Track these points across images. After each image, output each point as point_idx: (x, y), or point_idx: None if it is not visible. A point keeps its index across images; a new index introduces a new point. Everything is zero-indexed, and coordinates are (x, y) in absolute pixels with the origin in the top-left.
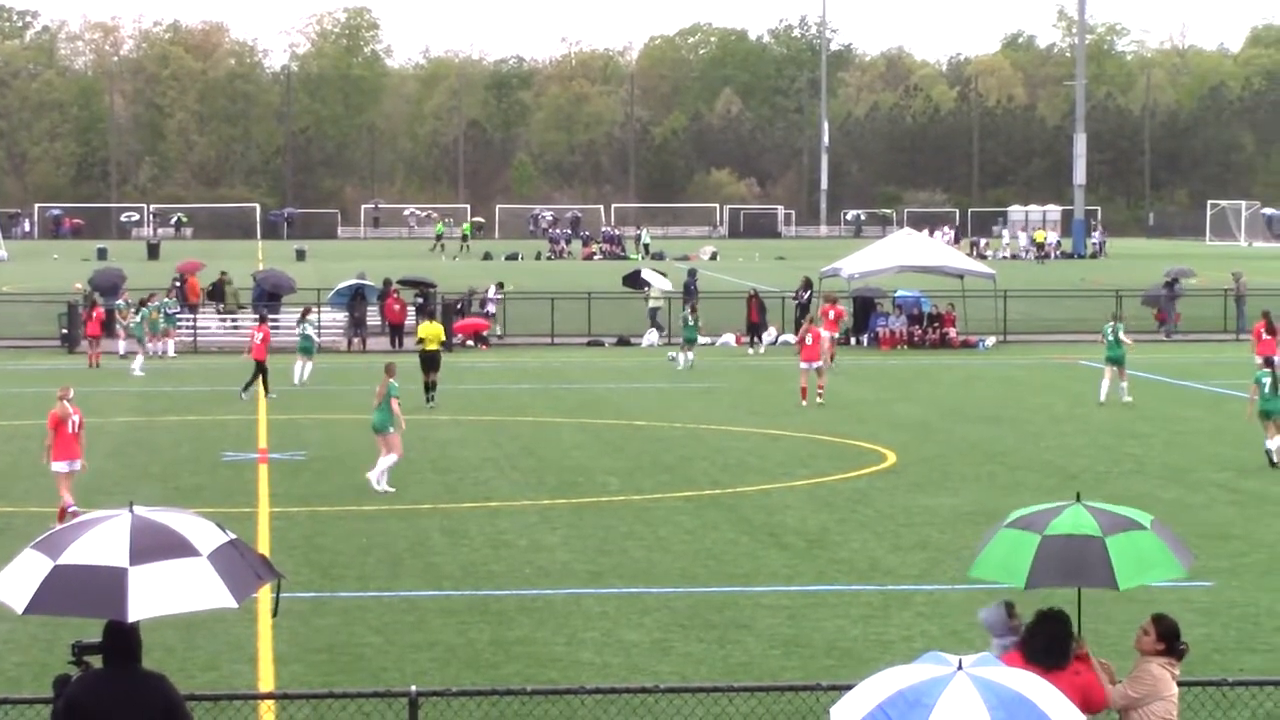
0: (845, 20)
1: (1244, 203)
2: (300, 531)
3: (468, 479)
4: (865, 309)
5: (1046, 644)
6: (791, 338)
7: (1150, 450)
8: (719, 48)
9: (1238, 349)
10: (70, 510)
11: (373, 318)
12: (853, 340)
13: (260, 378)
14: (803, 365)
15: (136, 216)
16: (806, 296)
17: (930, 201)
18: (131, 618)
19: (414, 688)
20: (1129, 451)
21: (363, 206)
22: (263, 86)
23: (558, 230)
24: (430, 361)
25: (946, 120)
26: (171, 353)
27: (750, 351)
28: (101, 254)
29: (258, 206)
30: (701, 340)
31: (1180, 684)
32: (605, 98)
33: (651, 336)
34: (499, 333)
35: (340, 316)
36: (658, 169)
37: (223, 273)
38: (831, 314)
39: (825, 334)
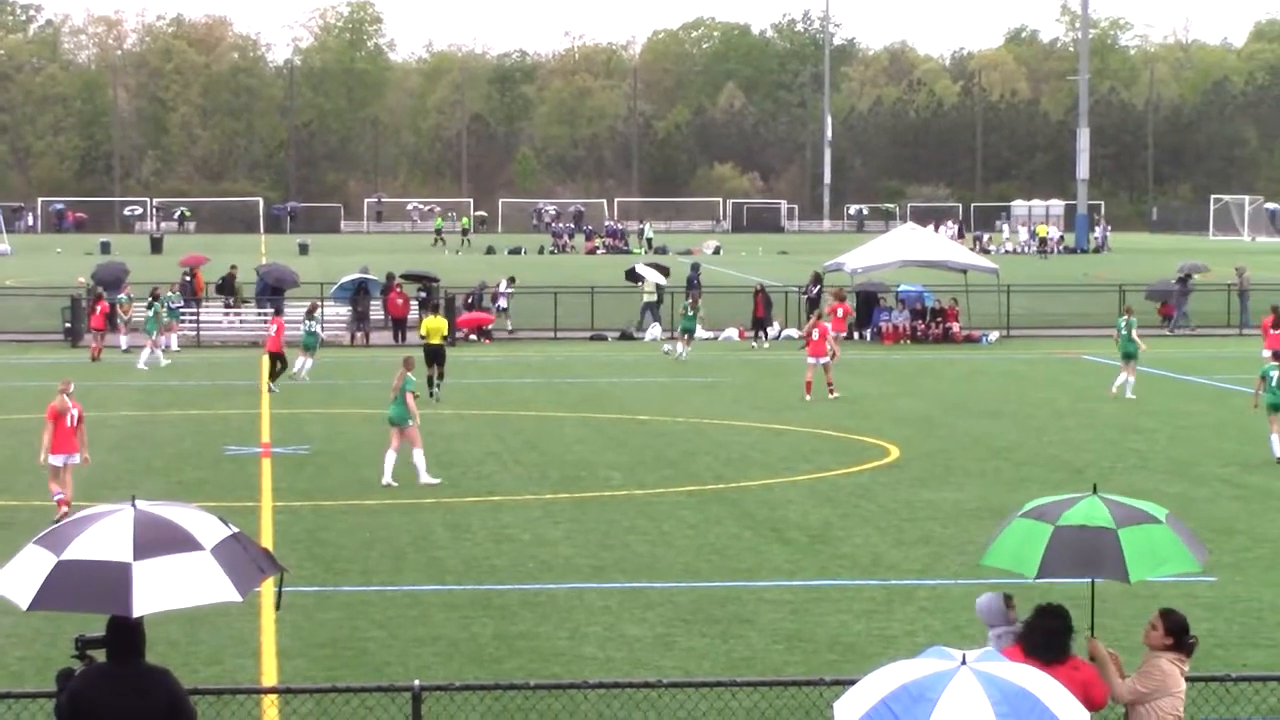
0: (848, 14)
1: (1247, 197)
2: (303, 526)
3: (470, 473)
4: (868, 304)
5: (1045, 639)
6: (795, 333)
7: (1154, 445)
8: (722, 42)
9: (1241, 344)
10: (57, 499)
11: (376, 312)
12: (856, 335)
13: (273, 368)
14: (810, 360)
15: (140, 210)
16: (816, 291)
17: (933, 196)
18: (136, 613)
19: (417, 682)
20: (1133, 446)
21: (366, 200)
22: (266, 80)
23: (561, 224)
24: (434, 355)
25: (950, 115)
26: (174, 347)
27: (754, 345)
28: (105, 248)
29: (261, 200)
30: (705, 334)
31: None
32: (608, 92)
33: (654, 330)
34: (509, 328)
35: (343, 311)
36: (661, 163)
37: (232, 267)
38: (840, 312)
39: (830, 330)
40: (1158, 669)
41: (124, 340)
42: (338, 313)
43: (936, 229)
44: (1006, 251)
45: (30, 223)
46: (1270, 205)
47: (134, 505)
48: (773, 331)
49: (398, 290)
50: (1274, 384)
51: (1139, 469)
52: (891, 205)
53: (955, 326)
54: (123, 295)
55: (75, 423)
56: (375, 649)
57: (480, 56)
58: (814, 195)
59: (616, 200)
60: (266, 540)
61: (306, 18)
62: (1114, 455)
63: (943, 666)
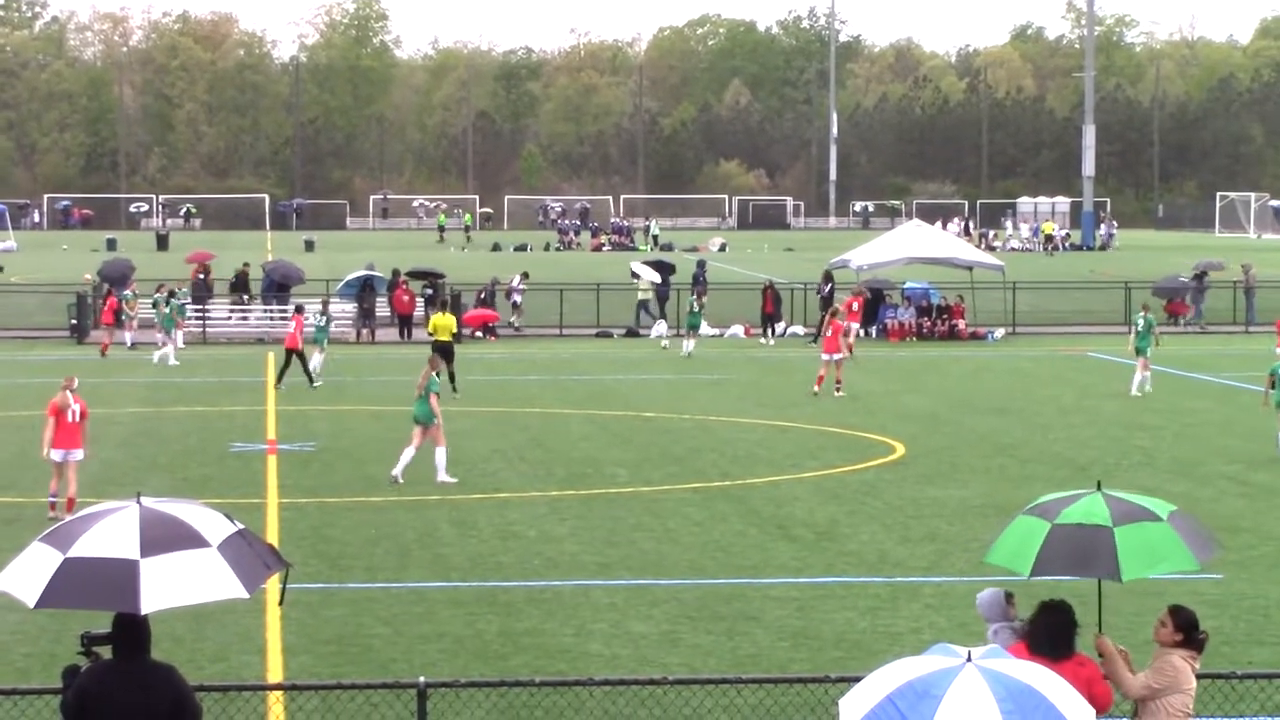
0: (854, 11)
1: (1253, 194)
2: (309, 523)
3: (476, 470)
4: (874, 301)
5: (1050, 635)
6: (800, 330)
7: (1160, 443)
8: (728, 39)
9: (1248, 341)
10: (50, 500)
11: (381, 309)
12: (861, 332)
13: (288, 365)
14: (823, 357)
15: (145, 207)
16: (828, 289)
17: (939, 193)
18: (144, 610)
19: (422, 679)
20: (1138, 444)
21: (371, 197)
22: (272, 77)
23: (566, 221)
24: (443, 353)
25: (955, 111)
26: (180, 344)
27: (764, 341)
28: (111, 244)
29: (266, 197)
30: (711, 331)
31: None
32: (614, 89)
33: (660, 327)
34: (521, 324)
35: (349, 308)
36: (666, 160)
37: (245, 264)
38: (855, 305)
39: (847, 325)
40: (1170, 665)
41: (128, 337)
42: (343, 310)
43: (944, 226)
44: (1012, 249)
45: (36, 219)
46: (1275, 202)
47: (139, 502)
48: (779, 328)
49: (403, 287)
50: None
51: (1144, 466)
52: (897, 202)
53: (961, 323)
54: (128, 292)
55: (77, 419)
56: (380, 646)
57: (486, 53)
58: (820, 192)
59: (622, 197)
60: (272, 537)
61: (312, 14)
62: (1119, 452)
63: (948, 663)
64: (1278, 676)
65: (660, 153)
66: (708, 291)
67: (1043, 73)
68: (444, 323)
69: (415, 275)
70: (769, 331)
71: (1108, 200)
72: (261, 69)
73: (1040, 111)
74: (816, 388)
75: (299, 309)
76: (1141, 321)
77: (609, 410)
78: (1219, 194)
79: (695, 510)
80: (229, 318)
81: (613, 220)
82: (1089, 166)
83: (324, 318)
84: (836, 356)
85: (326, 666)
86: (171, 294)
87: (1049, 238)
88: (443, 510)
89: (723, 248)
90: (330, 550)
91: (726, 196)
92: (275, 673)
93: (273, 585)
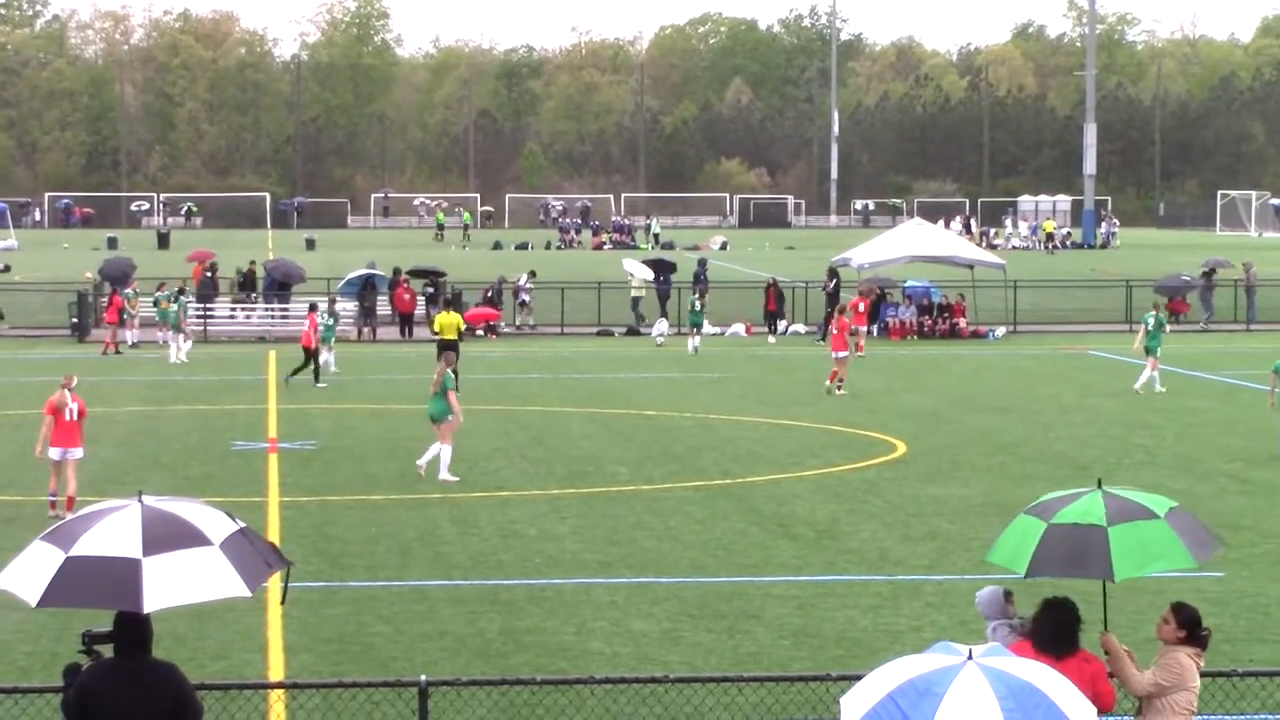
0: (855, 10)
1: (1254, 193)
2: (310, 521)
3: (477, 468)
4: (875, 299)
5: (1054, 632)
6: (801, 328)
7: (1161, 441)
8: (729, 37)
9: (1249, 339)
10: (50, 499)
11: (382, 307)
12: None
13: (306, 363)
14: (834, 355)
15: (147, 206)
16: (833, 285)
17: (940, 191)
18: (147, 608)
19: (424, 677)
20: (1139, 442)
21: (373, 196)
22: (273, 76)
23: (567, 220)
24: (448, 350)
25: (957, 110)
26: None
27: (771, 340)
28: (112, 243)
29: (268, 196)
30: (712, 330)
31: None
32: (615, 87)
33: (662, 325)
34: (531, 322)
35: (350, 306)
36: (667, 159)
37: (251, 262)
38: (861, 306)
39: (851, 324)
40: (1177, 662)
41: (130, 335)
42: (345, 308)
43: (946, 225)
44: (1014, 247)
45: (37, 218)
46: (1276, 201)
47: (141, 501)
48: (781, 326)
49: (404, 286)
50: None
51: (1145, 464)
52: (898, 200)
53: (962, 322)
54: (129, 291)
55: (75, 417)
56: (382, 644)
57: (487, 52)
58: (821, 190)
59: (623, 196)
60: (273, 535)
61: (314, 13)
62: (1120, 451)
63: (949, 662)
64: (1279, 674)
65: (661, 151)
66: (709, 290)
67: (1044, 71)
68: (449, 321)
69: (416, 274)
70: (773, 329)
71: (1109, 199)
72: (263, 67)
73: (1041, 110)
74: (830, 383)
75: (313, 307)
76: (1152, 320)
77: (610, 408)
78: (1220, 192)
79: (696, 508)
80: (232, 316)
81: (614, 219)
82: (1090, 165)
83: (331, 317)
84: (842, 354)
85: (328, 665)
86: (181, 292)
87: (1050, 236)
88: (444, 509)
89: (724, 246)
90: (331, 549)
91: (727, 195)
92: (277, 671)
93: (274, 584)
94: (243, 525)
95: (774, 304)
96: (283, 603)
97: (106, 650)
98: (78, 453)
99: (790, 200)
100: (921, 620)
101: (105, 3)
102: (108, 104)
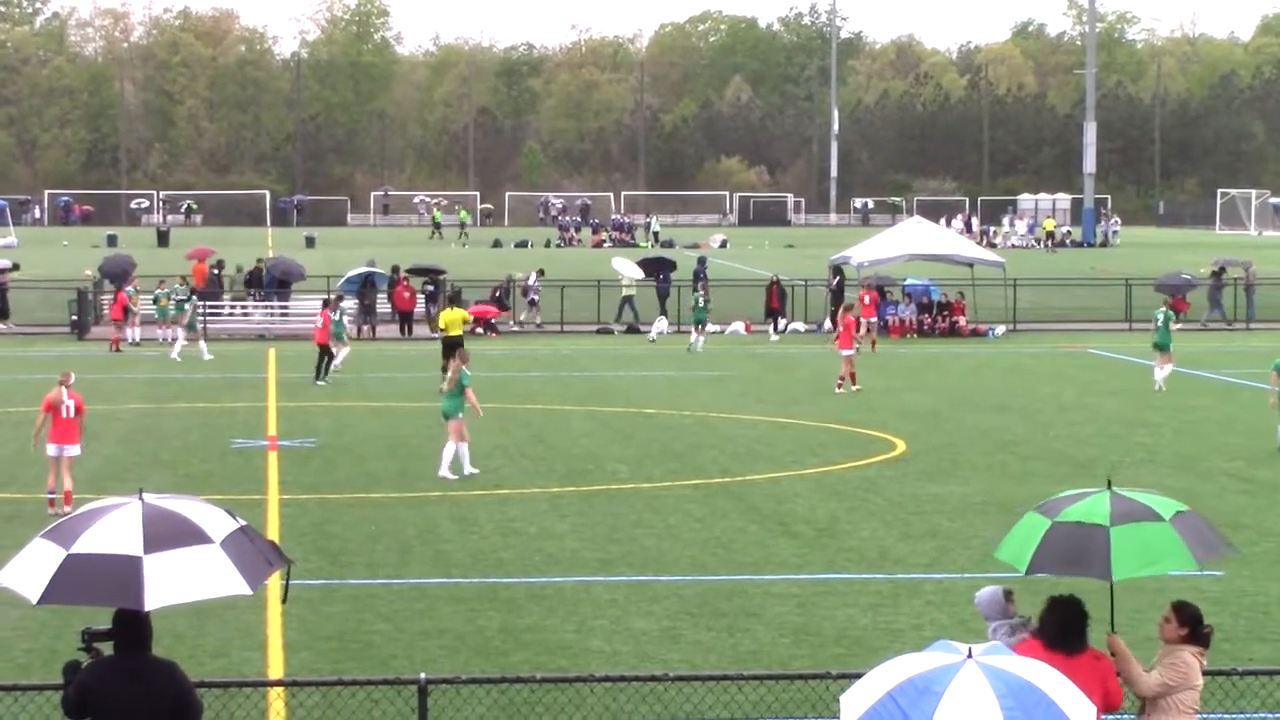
0: (855, 8)
1: (1254, 192)
2: (310, 519)
3: (477, 466)
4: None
5: (1063, 630)
6: (801, 326)
7: (1161, 439)
8: (729, 35)
9: (1248, 338)
10: (49, 496)
11: (382, 305)
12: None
13: (322, 360)
14: (842, 353)
15: (146, 203)
16: (836, 282)
17: (940, 190)
18: (148, 606)
19: (423, 675)
20: (1139, 440)
21: (372, 194)
22: (273, 73)
23: (567, 218)
24: (452, 348)
25: (956, 108)
26: (184, 340)
27: (774, 338)
28: (111, 240)
29: (267, 193)
30: (712, 328)
31: None
32: (615, 85)
33: (661, 324)
34: (537, 321)
35: (350, 304)
36: (667, 156)
37: (259, 260)
38: (867, 299)
39: (862, 320)
40: (1182, 661)
41: (130, 333)
42: (344, 306)
43: (948, 223)
44: (1013, 245)
45: (37, 215)
46: (1276, 199)
47: (142, 499)
48: (781, 324)
49: (404, 284)
50: None
51: (1145, 463)
52: (898, 199)
53: (962, 320)
54: (130, 288)
55: (71, 414)
56: (381, 642)
57: (487, 50)
58: (820, 189)
59: (623, 193)
60: (273, 533)
61: (313, 10)
62: (1120, 449)
63: (949, 660)
64: (1278, 673)
65: (661, 149)
66: (709, 288)
67: (1044, 70)
68: (452, 318)
69: (416, 272)
70: (775, 327)
71: (1108, 197)
72: (262, 65)
73: (1041, 108)
74: (852, 384)
75: (327, 304)
76: (1160, 317)
77: (610, 407)
78: (1220, 191)
79: (696, 507)
80: (233, 313)
81: (613, 217)
82: (1090, 163)
83: (340, 314)
84: (848, 352)
85: (327, 663)
86: (193, 290)
87: (1050, 235)
88: (443, 507)
89: (723, 244)
90: (331, 546)
91: (727, 193)
92: (276, 669)
93: (274, 582)
94: (243, 523)
95: (777, 302)
96: (283, 601)
97: (106, 648)
98: (74, 449)
99: (790, 198)
100: (921, 619)
101: (105, 0)
102: (107, 101)
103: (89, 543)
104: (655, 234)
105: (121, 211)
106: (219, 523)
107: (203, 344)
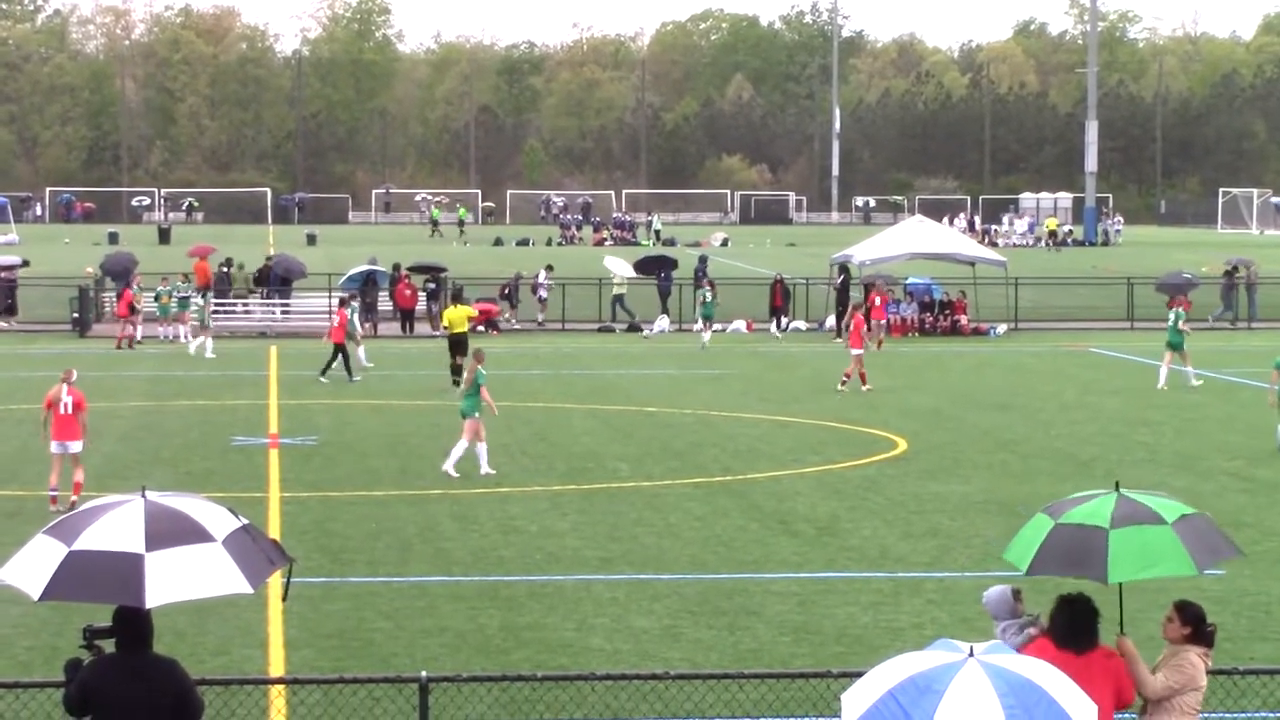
0: (857, 6)
1: (1255, 191)
2: (311, 517)
3: (478, 464)
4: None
5: (1073, 628)
6: (802, 325)
7: (1161, 438)
8: (730, 34)
9: (1249, 337)
10: (51, 494)
11: (384, 303)
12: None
13: (340, 359)
14: (851, 352)
15: (148, 201)
16: (841, 281)
17: (941, 189)
18: (149, 604)
19: (424, 673)
20: (1140, 440)
21: (374, 191)
22: (274, 71)
23: (569, 216)
24: (457, 345)
25: (958, 107)
26: (185, 338)
27: (779, 337)
28: (113, 238)
29: (269, 191)
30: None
31: None
32: (616, 83)
33: (663, 322)
34: (540, 319)
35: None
36: (669, 155)
37: (268, 258)
38: (878, 300)
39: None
40: (1188, 663)
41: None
42: (355, 305)
43: (950, 222)
44: (1014, 244)
45: (38, 213)
46: (1277, 199)
47: (144, 496)
48: (784, 323)
49: (405, 281)
50: None
51: (1146, 462)
52: (899, 197)
53: (963, 319)
54: (135, 286)
55: (69, 411)
56: (382, 640)
57: (488, 48)
58: (822, 187)
59: (624, 192)
60: (274, 531)
61: (315, 8)
62: (1121, 448)
63: (950, 659)
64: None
65: (662, 147)
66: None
67: (1045, 68)
68: (457, 315)
69: (417, 270)
70: (778, 325)
71: (1110, 196)
72: (264, 63)
73: (1043, 107)
74: (863, 384)
75: (343, 303)
76: (1172, 316)
77: (610, 405)
78: (1221, 190)
79: (696, 505)
80: (234, 310)
81: (615, 215)
82: (1091, 162)
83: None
84: (858, 351)
85: (328, 660)
86: (206, 287)
87: (1053, 234)
88: (444, 505)
89: (725, 243)
90: (332, 544)
91: (729, 191)
92: (277, 667)
93: (274, 579)
94: (245, 522)
95: (780, 300)
96: (284, 599)
97: (107, 645)
98: (75, 445)
99: (791, 197)
100: (922, 617)
101: None
102: (109, 99)
103: (91, 540)
104: (656, 232)
105: (123, 209)
106: (221, 521)
107: (209, 341)
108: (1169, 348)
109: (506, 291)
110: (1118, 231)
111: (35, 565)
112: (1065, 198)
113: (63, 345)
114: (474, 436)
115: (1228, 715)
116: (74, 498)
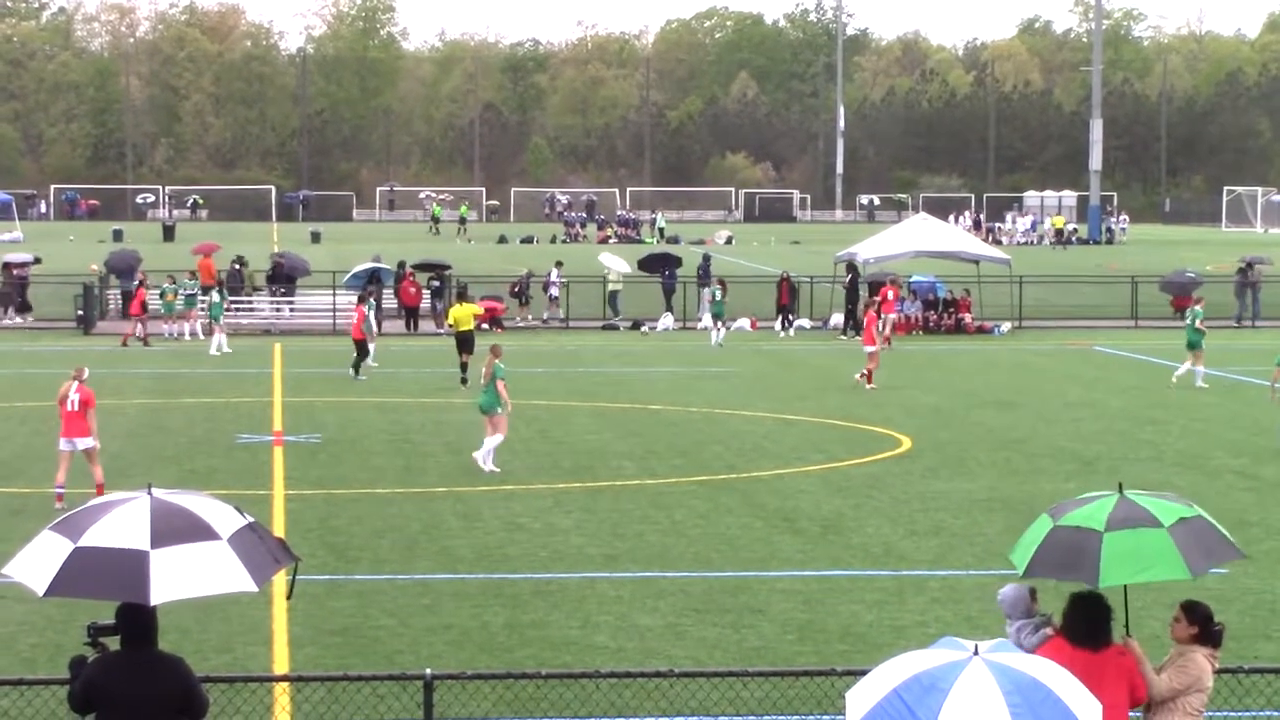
0: (861, 4)
1: (1260, 189)
2: (315, 514)
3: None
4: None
5: (1087, 626)
6: (807, 323)
7: (1166, 437)
8: (735, 32)
9: (1254, 336)
10: (56, 490)
11: (388, 301)
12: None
13: (360, 355)
14: (865, 349)
15: (152, 198)
16: (849, 279)
17: (946, 187)
18: (154, 601)
19: (428, 671)
20: (1145, 438)
21: (378, 189)
22: (278, 69)
23: (573, 214)
24: (464, 343)
25: (962, 105)
26: (189, 335)
27: (783, 335)
28: (117, 235)
29: (273, 189)
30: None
31: None
32: (621, 81)
33: (667, 320)
34: (545, 316)
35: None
36: (673, 153)
37: (281, 255)
38: (890, 294)
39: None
40: (1194, 664)
41: (139, 328)
42: (350, 302)
43: (956, 220)
44: (1017, 243)
45: (42, 210)
46: None
47: (150, 493)
48: (791, 320)
49: (410, 279)
50: None
51: (1151, 461)
52: (903, 196)
53: (967, 317)
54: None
55: (75, 408)
56: (387, 637)
57: (493, 45)
58: (826, 185)
59: (629, 190)
60: (278, 528)
61: (319, 6)
62: (1126, 447)
63: (955, 657)
64: None
65: (667, 145)
66: (709, 284)
67: (1050, 67)
68: (463, 313)
69: (422, 267)
70: (785, 322)
71: (1114, 194)
72: (268, 60)
73: (1047, 105)
74: (867, 383)
75: (362, 299)
76: (1189, 314)
77: (615, 403)
78: (1226, 188)
79: (701, 503)
80: (238, 308)
81: (619, 213)
82: (1096, 161)
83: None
84: (871, 348)
85: (333, 658)
86: (220, 284)
87: (1059, 232)
88: (449, 502)
89: (729, 240)
90: (337, 542)
91: (733, 189)
92: (281, 664)
93: (279, 577)
94: (251, 520)
95: (786, 298)
96: (288, 597)
97: (112, 643)
98: (85, 442)
99: (795, 195)
100: (926, 615)
101: None
102: (113, 96)
103: (96, 536)
104: (661, 230)
105: (127, 206)
106: (227, 519)
107: (223, 337)
108: (1189, 347)
109: (517, 289)
110: (1123, 230)
111: (40, 561)
112: (1070, 196)
113: (67, 343)
114: (496, 428)
115: (1232, 714)
116: (97, 489)
